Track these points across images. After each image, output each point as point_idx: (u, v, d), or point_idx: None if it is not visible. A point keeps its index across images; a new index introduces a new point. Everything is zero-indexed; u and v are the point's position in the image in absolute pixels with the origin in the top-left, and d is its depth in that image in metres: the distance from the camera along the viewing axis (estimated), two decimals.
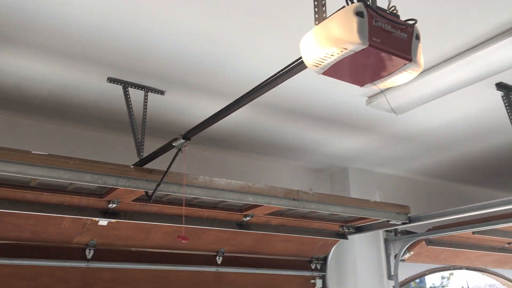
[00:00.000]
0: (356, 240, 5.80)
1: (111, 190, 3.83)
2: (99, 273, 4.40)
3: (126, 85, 3.99)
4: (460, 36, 3.37)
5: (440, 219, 4.39)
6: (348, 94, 4.21)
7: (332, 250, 5.53)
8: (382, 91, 2.14)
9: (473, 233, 5.45)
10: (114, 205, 4.07)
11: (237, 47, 3.48)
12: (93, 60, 3.60)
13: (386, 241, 6.10)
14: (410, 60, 1.98)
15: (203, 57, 3.58)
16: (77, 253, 4.31)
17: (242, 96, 2.72)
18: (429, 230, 5.72)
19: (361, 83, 2.20)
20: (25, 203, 3.79)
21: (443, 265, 6.92)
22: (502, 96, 3.98)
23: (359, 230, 5.16)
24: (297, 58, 2.26)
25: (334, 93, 4.17)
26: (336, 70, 2.04)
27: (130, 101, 4.00)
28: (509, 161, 6.12)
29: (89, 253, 4.32)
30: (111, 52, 3.50)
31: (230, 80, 3.91)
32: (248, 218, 4.57)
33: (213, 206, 4.40)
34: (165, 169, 3.57)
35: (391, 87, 2.17)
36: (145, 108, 4.10)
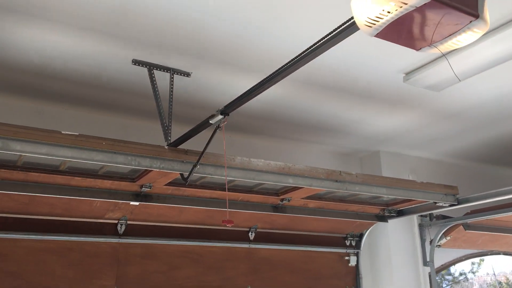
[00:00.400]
0: (390, 225, 5.48)
1: (144, 173, 3.61)
2: (131, 248, 4.27)
3: (151, 67, 3.74)
4: None
5: (490, 200, 4.07)
6: (384, 70, 3.89)
7: (369, 229, 5.26)
8: (444, 55, 1.90)
9: None
10: (146, 189, 3.86)
11: (267, 19, 3.17)
12: (118, 40, 3.37)
13: (421, 226, 5.79)
14: (477, 16, 1.73)
15: (230, 31, 3.29)
16: (109, 229, 4.16)
17: (283, 67, 2.47)
18: (467, 214, 5.38)
19: (417, 46, 1.94)
20: (56, 186, 3.61)
21: (481, 250, 6.57)
22: None
23: (401, 213, 4.84)
24: (344, 21, 2.00)
25: (369, 68, 3.86)
26: (390, 31, 1.80)
27: (156, 84, 3.75)
28: None
29: (121, 229, 4.17)
30: (135, 31, 3.26)
31: (259, 56, 3.61)
32: (284, 202, 4.32)
33: (249, 189, 4.15)
34: (200, 150, 3.33)
35: (451, 50, 1.90)
36: (171, 91, 3.84)
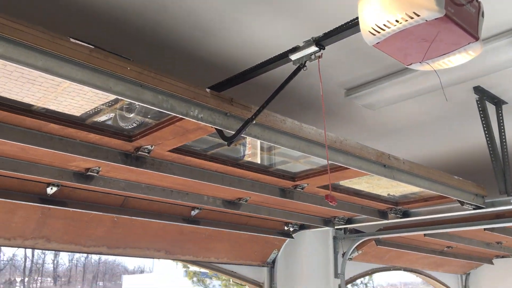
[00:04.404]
0: (306, 237, 5.23)
1: (153, 129, 2.51)
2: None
3: None
4: None
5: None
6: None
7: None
8: (436, 72, 1.81)
9: (425, 235, 5.24)
10: (143, 153, 2.74)
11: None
12: None
13: (335, 239, 5.62)
14: (476, 38, 1.67)
15: None
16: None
17: None
18: (379, 230, 5.33)
19: (409, 60, 1.82)
20: (20, 130, 2.39)
21: (385, 265, 6.63)
22: (477, 100, 3.44)
23: (406, 215, 4.11)
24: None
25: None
26: (391, 43, 1.69)
27: None
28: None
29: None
30: None
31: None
32: (297, 188, 3.41)
33: (264, 169, 3.19)
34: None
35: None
36: None
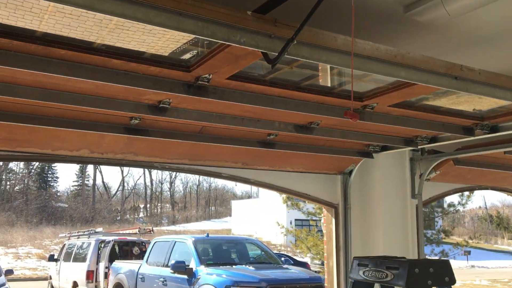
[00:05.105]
0: (381, 158, 5.09)
1: (205, 58, 2.56)
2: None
3: None
4: None
5: None
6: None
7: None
8: None
9: (505, 152, 4.93)
10: (203, 82, 2.82)
11: None
12: None
13: (412, 160, 5.43)
14: None
15: None
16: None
17: None
18: (458, 149, 5.07)
19: None
20: (88, 67, 2.57)
21: (469, 185, 6.46)
22: None
23: (494, 130, 3.81)
24: None
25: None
26: None
27: None
28: None
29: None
30: None
31: None
32: (366, 109, 3.30)
33: (328, 91, 3.12)
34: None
35: None
36: None
